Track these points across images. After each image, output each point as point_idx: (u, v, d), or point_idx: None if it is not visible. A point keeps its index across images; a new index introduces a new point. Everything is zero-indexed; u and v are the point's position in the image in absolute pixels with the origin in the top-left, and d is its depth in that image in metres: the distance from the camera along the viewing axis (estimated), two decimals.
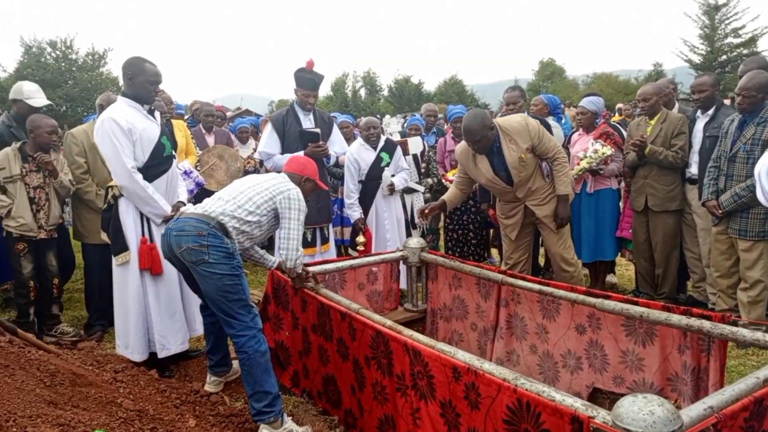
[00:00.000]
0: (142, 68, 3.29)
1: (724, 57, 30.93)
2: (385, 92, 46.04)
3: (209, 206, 2.95)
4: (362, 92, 46.61)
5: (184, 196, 3.61)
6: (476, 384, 2.01)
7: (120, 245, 3.31)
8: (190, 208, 3.00)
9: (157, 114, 3.47)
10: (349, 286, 3.78)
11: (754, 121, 3.72)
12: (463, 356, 2.15)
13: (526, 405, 1.82)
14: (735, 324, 2.32)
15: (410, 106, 37.83)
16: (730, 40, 30.79)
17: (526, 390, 1.85)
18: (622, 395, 2.69)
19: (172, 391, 3.13)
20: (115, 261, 3.37)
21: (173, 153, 3.54)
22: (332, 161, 4.95)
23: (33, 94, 4.37)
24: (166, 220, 3.31)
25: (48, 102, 4.47)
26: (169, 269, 3.33)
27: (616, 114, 11.75)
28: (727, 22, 30.72)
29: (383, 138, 4.99)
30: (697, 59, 31.48)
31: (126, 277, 3.34)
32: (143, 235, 3.34)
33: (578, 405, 1.71)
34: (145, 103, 3.35)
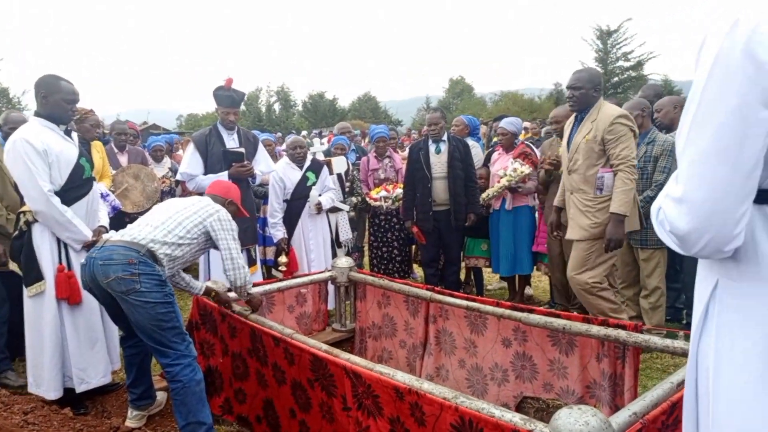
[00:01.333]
0: (58, 86, 3.12)
1: (616, 78, 33.55)
2: (300, 107, 45.86)
3: (136, 233, 2.84)
4: (276, 107, 46.16)
5: (105, 220, 3.45)
6: (419, 403, 2.06)
7: (34, 275, 3.11)
8: (114, 236, 2.87)
9: (74, 135, 3.30)
10: (277, 309, 3.73)
11: (644, 141, 4.14)
12: (402, 377, 2.19)
13: (468, 422, 1.88)
14: (648, 332, 2.52)
15: (326, 122, 37.89)
16: (621, 63, 33.45)
17: (467, 408, 1.91)
18: (551, 400, 2.88)
19: (90, 429, 2.96)
20: (27, 292, 3.16)
21: (92, 175, 3.36)
22: (258, 181, 4.88)
23: None
24: (87, 246, 3.16)
25: None
26: (88, 297, 3.15)
27: (523, 132, 12.35)
28: (618, 46, 33.39)
29: (309, 157, 4.99)
30: None
31: (41, 309, 3.13)
32: (60, 262, 3.15)
33: (517, 420, 1.79)
34: (62, 123, 3.18)
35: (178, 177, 4.56)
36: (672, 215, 1.14)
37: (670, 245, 1.19)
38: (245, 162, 4.23)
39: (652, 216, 1.24)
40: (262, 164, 4.56)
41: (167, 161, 6.48)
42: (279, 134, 20.12)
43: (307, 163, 4.92)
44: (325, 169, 5.04)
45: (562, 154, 4.02)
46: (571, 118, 3.94)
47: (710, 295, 1.20)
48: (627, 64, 33.21)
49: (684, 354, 2.32)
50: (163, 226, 2.88)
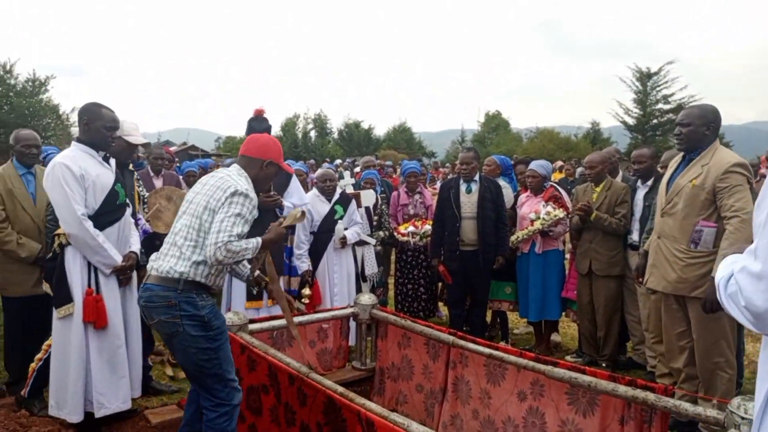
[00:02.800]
0: (99, 114, 3.23)
1: (655, 121, 33.06)
2: (335, 135, 46.47)
3: (166, 262, 2.60)
4: (312, 134, 46.87)
5: (136, 246, 3.49)
6: None
7: (63, 297, 3.16)
8: (152, 265, 2.65)
9: (112, 161, 3.39)
10: (297, 344, 3.69)
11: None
12: (416, 429, 2.12)
13: None
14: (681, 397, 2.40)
15: (360, 150, 38.27)
16: (660, 105, 32.99)
17: None
18: None
19: None
20: (56, 314, 3.20)
21: (127, 201, 3.44)
22: (286, 212, 4.91)
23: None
24: (116, 270, 3.22)
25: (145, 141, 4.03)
26: (114, 322, 3.19)
27: (556, 171, 12.27)
28: (658, 88, 32.97)
29: (338, 190, 5.01)
30: (630, 121, 33.51)
31: (68, 331, 3.17)
32: (89, 286, 3.20)
33: None
34: (101, 149, 3.29)
35: None
36: (749, 291, 1.10)
37: (740, 320, 1.15)
38: (271, 192, 4.25)
39: (719, 287, 1.19)
40: (294, 197, 4.57)
41: None
42: (312, 161, 20.37)
43: (336, 196, 4.94)
44: (353, 203, 5.05)
45: (659, 193, 3.69)
46: (678, 158, 3.65)
47: None
48: (667, 107, 32.73)
49: (717, 424, 2.20)
50: (187, 243, 2.58)
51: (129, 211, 3.46)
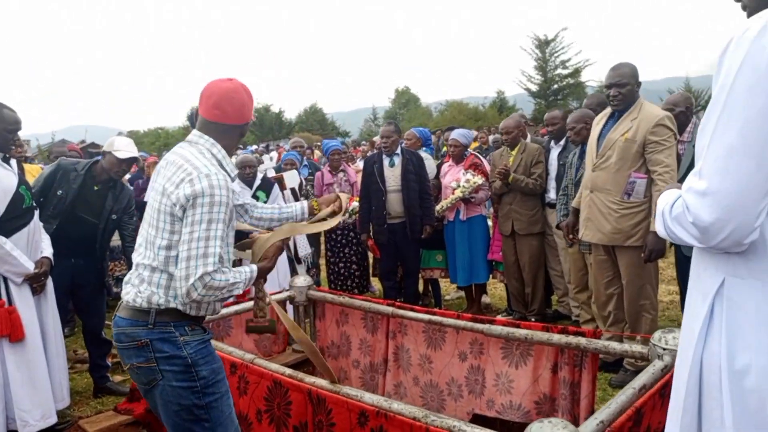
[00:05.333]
0: (1, 115, 2.99)
1: (556, 86, 34.68)
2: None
3: (133, 287, 1.95)
4: None
5: (48, 250, 3.27)
6: (384, 427, 2.02)
7: None
8: (127, 293, 1.97)
9: (13, 162, 3.14)
10: (235, 333, 3.62)
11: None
12: (370, 398, 2.15)
13: None
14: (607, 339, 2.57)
15: (273, 135, 37.51)
16: (559, 71, 34.60)
17: (437, 427, 1.89)
18: (495, 419, 2.87)
19: None
20: None
21: (33, 203, 3.19)
22: None
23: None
24: (27, 278, 3.01)
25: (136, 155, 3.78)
26: (31, 333, 2.98)
27: (472, 141, 12.58)
28: (556, 55, 34.54)
29: (259, 176, 4.90)
30: (534, 88, 34.99)
31: None
32: (0, 297, 2.96)
33: None
34: (1, 151, 3.03)
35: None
36: (695, 206, 1.18)
37: (685, 239, 1.24)
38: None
39: (664, 214, 1.28)
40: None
41: None
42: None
43: (257, 183, 4.84)
44: (276, 186, 4.96)
45: (588, 149, 3.77)
46: (601, 115, 3.75)
47: (716, 293, 1.25)
48: (565, 72, 34.37)
49: (642, 357, 2.38)
50: (152, 260, 1.92)
51: (37, 214, 3.23)
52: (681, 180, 2.93)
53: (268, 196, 4.84)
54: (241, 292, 1.97)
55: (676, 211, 1.24)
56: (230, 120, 2.00)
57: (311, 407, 2.29)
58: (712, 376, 1.25)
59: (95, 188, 3.65)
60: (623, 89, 3.49)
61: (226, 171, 1.98)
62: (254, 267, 2.04)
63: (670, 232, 1.27)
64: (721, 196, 1.14)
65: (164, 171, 1.97)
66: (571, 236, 4.02)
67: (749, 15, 1.26)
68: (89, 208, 3.63)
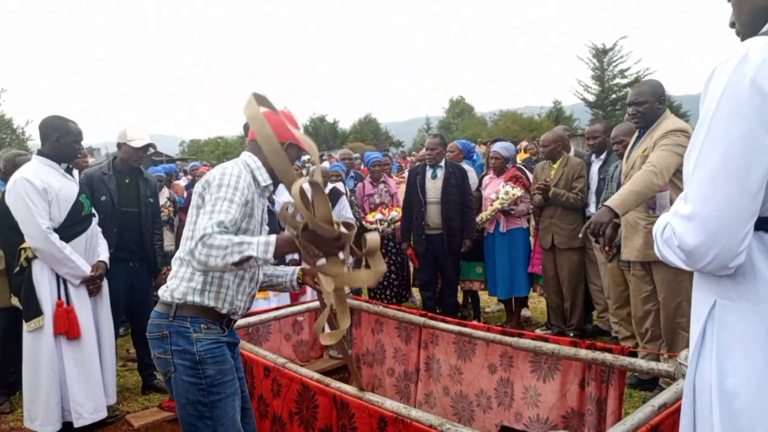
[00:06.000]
0: (68, 128, 3.29)
1: (614, 96, 33.80)
2: (301, 130, 46.20)
3: (167, 282, 2.07)
4: None
5: (105, 255, 3.52)
6: None
7: (33, 310, 3.18)
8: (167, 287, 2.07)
9: (75, 172, 3.43)
10: (274, 338, 3.77)
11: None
12: (390, 405, 2.22)
13: None
14: (634, 355, 2.55)
15: (327, 145, 38.17)
16: (618, 80, 33.72)
17: None
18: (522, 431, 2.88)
19: None
20: (26, 327, 3.22)
21: (92, 211, 3.46)
22: (277, 207, 4.98)
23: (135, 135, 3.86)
24: (85, 281, 3.24)
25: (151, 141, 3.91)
26: (87, 332, 3.23)
27: (521, 152, 12.49)
28: (614, 64, 33.72)
29: (329, 186, 5.09)
30: (590, 98, 34.22)
31: (39, 344, 3.19)
32: (59, 297, 3.23)
33: None
34: (66, 161, 3.33)
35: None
36: (681, 231, 1.22)
37: (674, 261, 1.27)
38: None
39: (656, 236, 1.32)
40: (286, 193, 4.64)
41: (165, 191, 6.57)
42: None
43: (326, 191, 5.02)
44: (344, 198, 5.13)
45: (623, 167, 3.78)
46: (636, 133, 3.75)
47: (708, 315, 1.27)
48: (624, 81, 33.47)
49: (668, 375, 2.36)
50: (181, 255, 2.02)
51: (95, 221, 3.48)
52: None
53: (334, 206, 5.00)
54: (253, 256, 1.79)
55: (666, 235, 1.27)
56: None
57: (336, 411, 2.38)
58: (703, 396, 1.27)
59: (126, 181, 3.88)
60: (641, 107, 3.52)
61: (257, 180, 2.08)
62: (273, 236, 1.87)
63: (662, 255, 1.30)
64: (705, 221, 1.17)
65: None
66: (607, 248, 3.92)
67: (743, 40, 1.28)
68: (128, 200, 3.87)
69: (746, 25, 1.28)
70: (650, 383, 3.72)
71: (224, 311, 2.06)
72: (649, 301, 3.68)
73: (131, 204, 3.88)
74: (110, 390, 3.47)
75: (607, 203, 3.16)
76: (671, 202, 3.41)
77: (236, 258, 1.79)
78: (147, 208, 3.94)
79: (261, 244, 1.82)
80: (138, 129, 3.90)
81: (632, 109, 3.57)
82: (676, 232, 1.23)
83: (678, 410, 2.05)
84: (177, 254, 2.06)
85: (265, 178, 2.10)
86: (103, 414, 3.38)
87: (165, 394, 3.95)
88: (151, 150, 3.91)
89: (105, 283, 3.51)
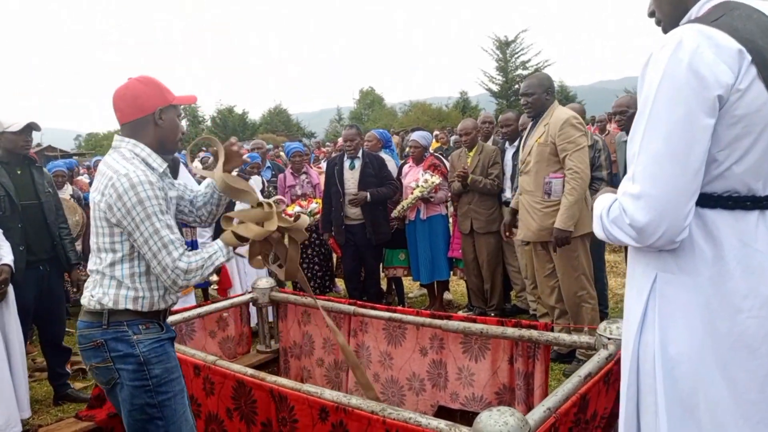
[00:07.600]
0: None
1: (517, 86, 35.30)
2: (209, 123, 44.59)
3: (87, 290, 2.02)
4: (183, 123, 44.58)
5: (8, 257, 3.24)
6: (344, 421, 2.09)
7: None
8: (83, 297, 2.03)
9: None
10: (198, 336, 3.64)
11: None
12: (330, 395, 2.22)
13: None
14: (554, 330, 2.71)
15: (237, 137, 37.06)
16: (520, 71, 35.26)
17: (394, 419, 1.98)
18: (458, 411, 2.98)
19: None
20: None
21: None
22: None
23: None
24: None
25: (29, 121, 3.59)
26: None
27: (433, 140, 12.73)
28: (516, 56, 35.20)
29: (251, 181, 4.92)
30: (495, 88, 35.57)
31: None
32: None
33: (443, 426, 1.88)
34: None
35: None
36: (631, 210, 1.27)
37: (623, 239, 1.32)
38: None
39: (602, 217, 1.37)
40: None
41: (69, 188, 6.12)
42: (184, 151, 19.41)
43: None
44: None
45: (521, 155, 4.03)
46: (530, 122, 4.02)
47: (650, 289, 1.34)
48: (525, 72, 35.05)
49: (589, 347, 2.52)
50: (100, 261, 1.98)
51: None
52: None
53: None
54: (222, 260, 1.99)
55: (614, 214, 1.33)
56: (132, 116, 1.99)
57: (274, 404, 2.35)
58: (646, 365, 1.35)
59: (19, 173, 3.61)
60: (530, 98, 3.79)
61: (152, 168, 2.00)
62: (219, 242, 2.01)
63: (608, 234, 1.36)
64: (653, 199, 1.24)
65: (96, 182, 2.00)
66: (508, 234, 4.33)
67: (664, 30, 1.38)
68: (26, 193, 3.61)
69: (668, 15, 1.37)
70: (568, 356, 3.95)
71: (156, 308, 2.02)
72: (551, 278, 3.95)
73: (30, 196, 3.60)
74: (23, 403, 3.23)
75: (558, 226, 3.57)
76: (563, 188, 3.69)
77: (212, 269, 1.97)
78: (48, 199, 3.68)
79: (222, 248, 2.00)
80: (11, 114, 3.63)
81: (523, 99, 3.86)
82: (627, 210, 1.28)
83: (602, 379, 2.20)
84: (94, 267, 1.99)
85: (159, 164, 2.03)
86: (18, 429, 3.14)
87: (81, 404, 3.72)
88: (36, 132, 3.62)
89: (11, 290, 3.23)
